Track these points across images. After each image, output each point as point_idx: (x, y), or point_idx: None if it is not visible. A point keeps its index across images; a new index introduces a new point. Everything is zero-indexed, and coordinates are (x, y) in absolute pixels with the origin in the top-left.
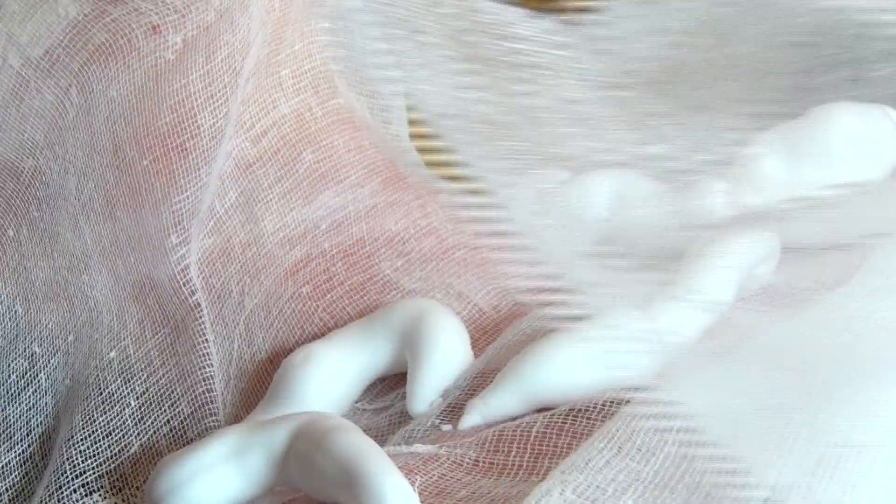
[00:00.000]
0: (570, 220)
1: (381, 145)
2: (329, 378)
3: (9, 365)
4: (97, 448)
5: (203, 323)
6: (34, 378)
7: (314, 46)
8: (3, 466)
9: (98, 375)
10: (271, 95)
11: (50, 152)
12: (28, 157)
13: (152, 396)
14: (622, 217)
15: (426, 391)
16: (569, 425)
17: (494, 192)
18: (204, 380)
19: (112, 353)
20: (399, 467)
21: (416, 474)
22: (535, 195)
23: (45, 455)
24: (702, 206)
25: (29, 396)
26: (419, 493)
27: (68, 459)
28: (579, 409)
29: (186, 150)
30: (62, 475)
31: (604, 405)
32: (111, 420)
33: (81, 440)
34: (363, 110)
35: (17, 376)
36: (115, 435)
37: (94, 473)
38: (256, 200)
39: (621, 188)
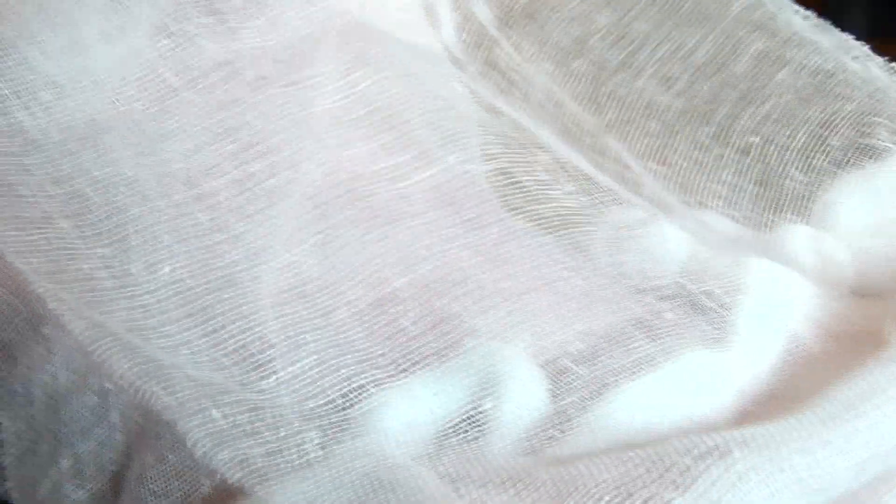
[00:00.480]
0: (649, 261)
1: (455, 183)
2: (403, 426)
3: (80, 401)
4: (168, 487)
5: (274, 361)
6: (105, 414)
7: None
8: None
9: None
10: (371, 183)
11: (114, 189)
12: (107, 193)
13: None
14: (701, 261)
15: (504, 441)
16: None
17: (568, 231)
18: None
19: None
20: None
21: None
22: (614, 234)
23: (117, 493)
24: (784, 252)
25: (100, 433)
26: None
27: (140, 499)
28: None
29: (265, 187)
30: None
31: None
32: (183, 460)
33: (153, 479)
34: (435, 146)
35: (88, 412)
36: (187, 475)
37: None
38: (331, 238)
39: (699, 229)
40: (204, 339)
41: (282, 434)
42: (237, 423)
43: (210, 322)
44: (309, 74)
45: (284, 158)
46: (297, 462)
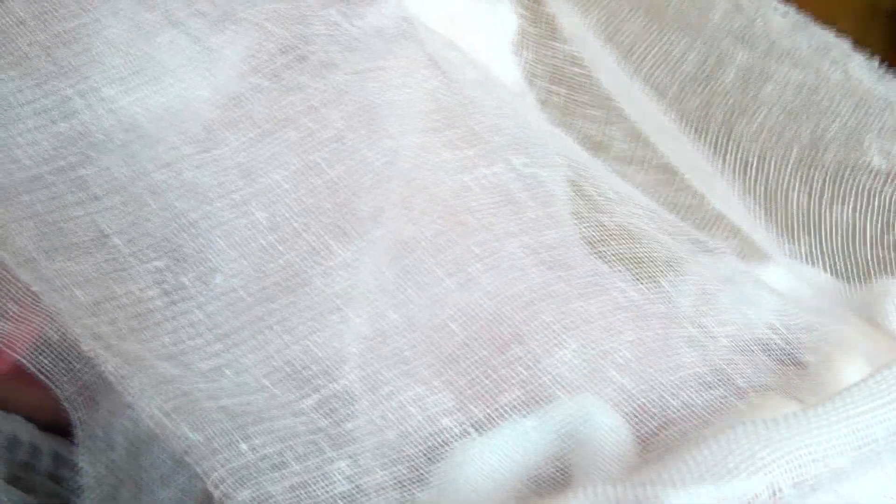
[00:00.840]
0: (743, 312)
1: (518, 183)
2: (486, 480)
3: (160, 447)
4: None
5: (317, 378)
6: (186, 462)
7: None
8: None
9: None
10: (436, 163)
11: (200, 226)
12: (166, 197)
13: None
14: (797, 315)
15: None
16: None
17: (664, 275)
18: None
19: None
20: None
21: None
22: (706, 281)
23: None
24: (882, 310)
25: (181, 481)
26: None
27: None
28: None
29: (348, 216)
30: None
31: None
32: None
33: None
34: (523, 190)
35: (168, 459)
36: None
37: None
38: (419, 271)
39: (796, 281)
40: (251, 356)
41: (310, 464)
42: (265, 455)
43: (259, 335)
44: (377, 65)
45: (346, 147)
46: (321, 497)
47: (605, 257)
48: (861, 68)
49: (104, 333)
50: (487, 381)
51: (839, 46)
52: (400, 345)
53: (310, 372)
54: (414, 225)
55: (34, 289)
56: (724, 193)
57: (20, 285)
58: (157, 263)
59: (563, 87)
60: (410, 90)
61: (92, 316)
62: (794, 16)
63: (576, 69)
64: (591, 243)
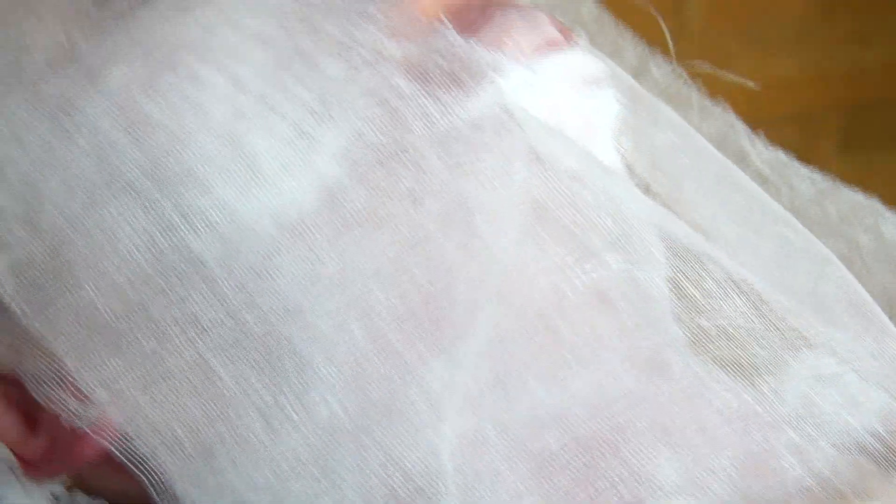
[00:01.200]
0: (845, 417)
1: (615, 286)
2: None
3: None
4: None
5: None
6: None
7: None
8: None
9: None
10: (529, 265)
11: (300, 319)
12: (281, 324)
13: None
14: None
15: None
16: None
17: (765, 380)
18: None
19: None
20: None
21: None
22: (809, 384)
23: None
24: None
25: None
26: None
27: None
28: None
29: (441, 324)
30: None
31: None
32: None
33: None
34: (619, 294)
35: None
36: None
37: None
38: (511, 379)
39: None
40: (349, 478)
41: None
42: None
43: (357, 456)
44: (472, 162)
45: (439, 250)
46: None
47: (704, 362)
48: (894, 228)
49: (198, 468)
50: (582, 494)
51: (870, 207)
52: (494, 457)
53: (405, 490)
54: (507, 333)
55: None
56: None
57: (112, 370)
58: (258, 388)
59: (666, 175)
60: (506, 188)
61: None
62: (821, 182)
63: (680, 157)
64: (689, 347)
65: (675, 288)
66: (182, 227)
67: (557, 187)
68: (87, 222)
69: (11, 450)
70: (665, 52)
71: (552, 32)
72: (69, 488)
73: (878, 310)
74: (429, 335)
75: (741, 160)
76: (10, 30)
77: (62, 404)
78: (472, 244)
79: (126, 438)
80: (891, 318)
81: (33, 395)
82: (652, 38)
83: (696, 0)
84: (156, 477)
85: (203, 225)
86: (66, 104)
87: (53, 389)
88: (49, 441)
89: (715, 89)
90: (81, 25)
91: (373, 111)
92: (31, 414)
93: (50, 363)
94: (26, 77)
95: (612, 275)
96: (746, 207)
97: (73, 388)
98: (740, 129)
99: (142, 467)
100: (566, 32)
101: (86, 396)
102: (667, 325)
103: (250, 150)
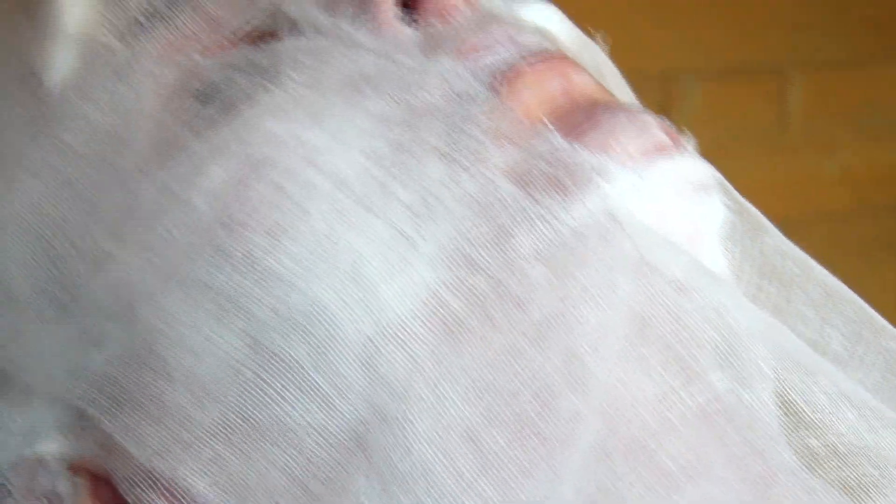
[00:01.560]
0: None
1: (720, 410)
2: None
3: None
4: None
5: None
6: None
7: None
8: None
9: None
10: (631, 385)
11: (396, 426)
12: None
13: None
14: None
15: None
16: None
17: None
18: None
19: None
20: None
21: None
22: None
23: None
24: None
25: None
26: None
27: None
28: None
29: (542, 436)
30: None
31: None
32: None
33: None
34: (724, 419)
35: None
36: None
37: None
38: (613, 498)
39: None
40: None
41: None
42: None
43: None
44: (573, 274)
45: (535, 372)
46: None
47: (814, 485)
48: None
49: None
50: None
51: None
52: None
53: None
54: (609, 450)
55: None
56: None
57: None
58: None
59: (774, 284)
60: (609, 302)
61: None
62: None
63: (788, 265)
64: (798, 467)
65: (782, 403)
66: (276, 326)
67: (662, 301)
68: (181, 320)
69: None
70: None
71: (660, 136)
72: None
73: None
74: (529, 447)
75: None
76: (113, 119)
77: None
78: (573, 358)
79: None
80: None
81: (125, 496)
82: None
83: (798, 87)
84: None
85: (298, 326)
86: (166, 198)
87: (145, 491)
88: None
89: (820, 178)
90: (184, 118)
91: (474, 216)
92: None
93: (140, 464)
94: (124, 166)
95: (719, 397)
96: (854, 320)
97: (164, 491)
98: None
99: None
100: (674, 136)
101: (177, 499)
102: (775, 449)
103: (349, 251)
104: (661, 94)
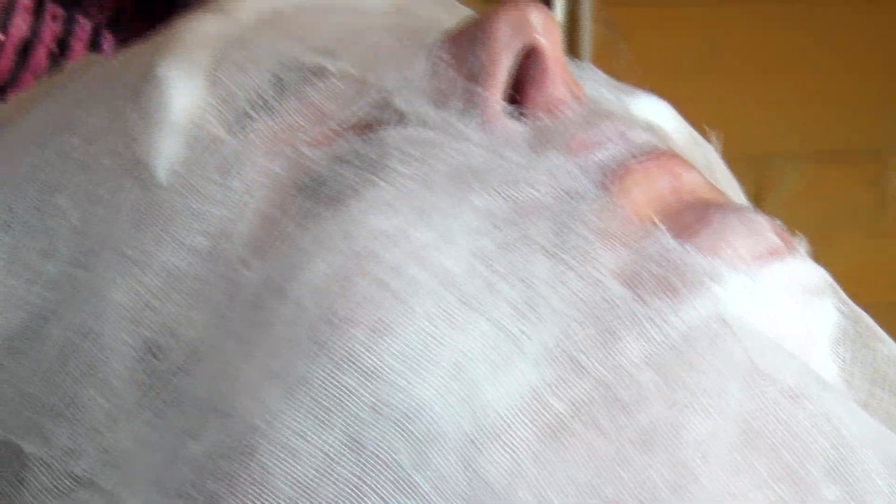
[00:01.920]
0: None
1: None
2: None
3: None
4: None
5: None
6: None
7: None
8: None
9: None
10: (740, 498)
11: None
12: None
13: None
14: None
15: None
16: None
17: None
18: None
19: None
20: None
21: None
22: None
23: None
24: None
25: None
26: None
27: None
28: None
29: None
30: None
31: None
32: None
33: None
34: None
35: None
36: None
37: None
38: None
39: None
40: None
41: None
42: None
43: None
44: (683, 376)
45: (646, 475)
46: None
47: None
48: None
49: None
50: None
51: None
52: None
53: None
54: None
55: None
56: None
57: None
58: None
59: (886, 392)
60: (719, 410)
61: None
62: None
63: None
64: None
65: None
66: (376, 424)
67: (773, 409)
68: (279, 417)
69: None
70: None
71: (773, 239)
72: None
73: None
74: None
75: None
76: (218, 211)
77: None
78: (681, 467)
79: None
80: None
81: None
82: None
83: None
84: None
85: (398, 424)
86: (268, 291)
87: None
88: None
89: None
90: (290, 211)
91: (580, 317)
92: None
93: None
94: (228, 257)
95: None
96: None
97: None
98: None
99: None
100: (787, 239)
101: None
102: None
103: (452, 349)
104: (757, 176)
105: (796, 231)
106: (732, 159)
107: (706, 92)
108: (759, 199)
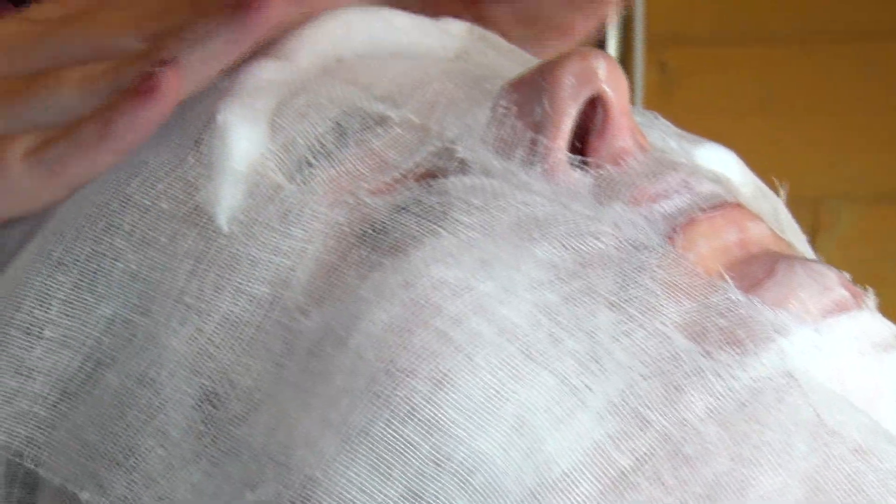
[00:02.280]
0: None
1: None
2: None
3: None
4: None
5: None
6: None
7: None
8: None
9: None
10: None
11: None
12: None
13: None
14: None
15: None
16: None
17: None
18: None
19: None
20: None
21: None
22: None
23: None
24: None
25: None
26: None
27: None
28: None
29: None
30: None
31: None
32: None
33: None
34: None
35: None
36: None
37: None
38: None
39: None
40: None
41: None
42: None
43: None
44: (749, 431)
45: None
46: None
47: None
48: None
49: None
50: None
51: None
52: None
53: None
54: None
55: None
56: None
57: None
58: None
59: None
60: (784, 466)
61: None
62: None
63: None
64: None
65: None
66: (436, 477)
67: (839, 465)
68: (337, 469)
69: None
70: None
71: (840, 292)
72: None
73: None
74: None
75: None
76: (278, 260)
77: None
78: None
79: None
80: None
81: None
82: None
83: None
84: None
85: (459, 477)
86: (327, 340)
87: None
88: None
89: None
90: (350, 259)
91: (645, 370)
92: None
93: None
94: (287, 305)
95: None
96: None
97: None
98: None
99: None
100: (855, 292)
101: None
102: None
103: (515, 402)
104: (813, 217)
105: (851, 275)
106: (787, 201)
107: (760, 133)
108: (813, 240)
